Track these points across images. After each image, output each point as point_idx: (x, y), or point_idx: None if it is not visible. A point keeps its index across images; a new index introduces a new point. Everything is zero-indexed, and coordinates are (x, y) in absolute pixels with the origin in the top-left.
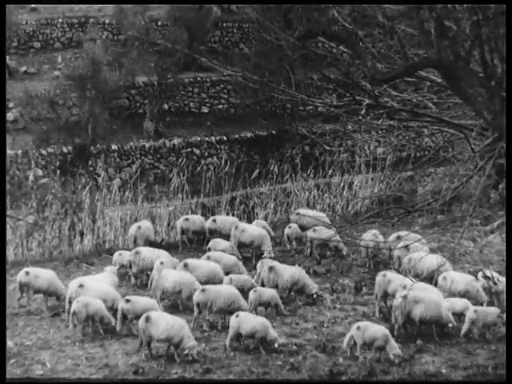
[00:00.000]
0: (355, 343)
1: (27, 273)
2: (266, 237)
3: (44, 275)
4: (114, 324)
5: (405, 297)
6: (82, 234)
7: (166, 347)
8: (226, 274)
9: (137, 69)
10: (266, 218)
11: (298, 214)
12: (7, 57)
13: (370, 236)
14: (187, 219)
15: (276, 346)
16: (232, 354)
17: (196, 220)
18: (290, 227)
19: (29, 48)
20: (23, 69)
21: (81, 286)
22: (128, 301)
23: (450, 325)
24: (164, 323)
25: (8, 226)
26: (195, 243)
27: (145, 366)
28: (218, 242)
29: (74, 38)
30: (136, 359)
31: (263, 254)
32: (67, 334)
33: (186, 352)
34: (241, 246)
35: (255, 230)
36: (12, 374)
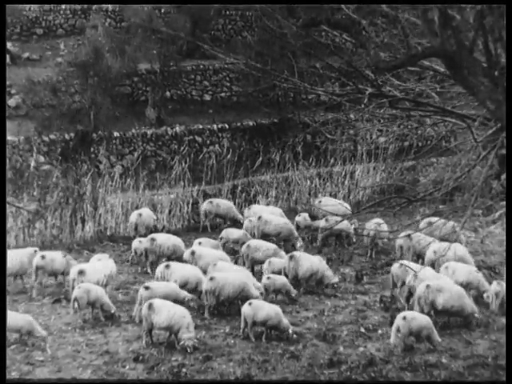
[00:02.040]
0: (398, 332)
1: (43, 257)
2: (292, 227)
3: (60, 259)
4: (114, 311)
5: (428, 286)
6: (83, 221)
7: (167, 335)
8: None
9: (139, 56)
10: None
11: (319, 202)
12: (9, 43)
13: (373, 224)
14: (211, 202)
15: (290, 332)
16: (232, 341)
17: (220, 203)
18: (299, 215)
19: (31, 34)
20: (26, 55)
21: (81, 272)
22: (147, 288)
23: (476, 315)
24: (166, 311)
25: (9, 213)
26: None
27: (145, 352)
28: (230, 232)
29: (77, 25)
30: (136, 346)
31: (294, 244)
32: (68, 320)
33: (182, 343)
34: (264, 237)
35: (280, 220)
36: (12, 360)
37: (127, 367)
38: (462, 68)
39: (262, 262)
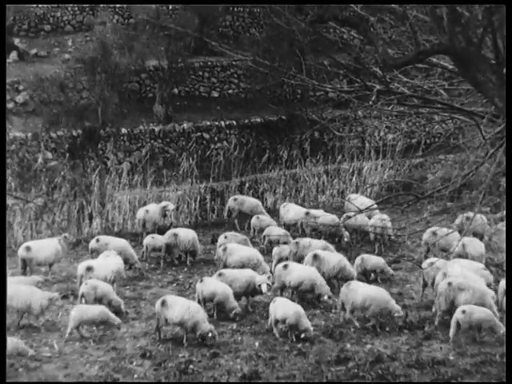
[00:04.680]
0: (459, 327)
1: (98, 240)
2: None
3: (114, 243)
4: (122, 308)
5: (450, 284)
6: (90, 217)
7: (175, 331)
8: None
9: (147, 53)
10: (274, 204)
11: (348, 198)
12: (17, 39)
13: (378, 220)
14: (235, 199)
15: (302, 336)
16: (239, 338)
17: (245, 201)
18: (307, 214)
19: (39, 31)
20: (33, 51)
21: (89, 268)
22: (201, 281)
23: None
24: (179, 307)
25: (17, 208)
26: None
27: (152, 349)
28: (272, 230)
29: (85, 21)
30: (143, 342)
31: (342, 238)
32: None
33: (210, 335)
34: (313, 232)
35: (328, 216)
36: (20, 356)
37: (134, 363)
38: (470, 65)
39: None
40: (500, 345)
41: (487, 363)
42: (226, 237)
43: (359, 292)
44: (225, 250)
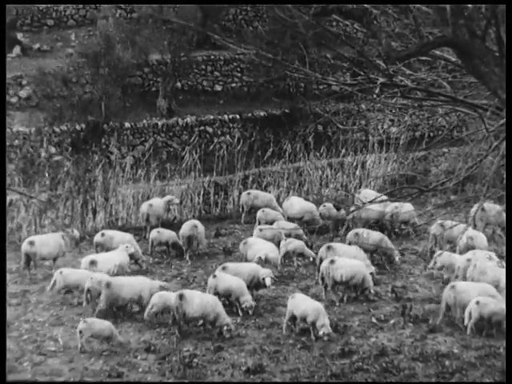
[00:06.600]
0: (470, 316)
1: (103, 234)
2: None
3: (119, 237)
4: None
5: None
6: (94, 212)
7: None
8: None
9: (150, 46)
10: (278, 197)
11: (359, 192)
12: (20, 34)
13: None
14: (249, 193)
15: (321, 333)
16: (244, 331)
17: (258, 195)
18: (324, 206)
19: (42, 25)
20: (36, 46)
21: (93, 262)
22: (215, 276)
23: None
24: (198, 300)
25: (21, 203)
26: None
27: (156, 343)
28: (282, 224)
29: (88, 16)
30: (148, 336)
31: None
32: (80, 310)
33: (227, 328)
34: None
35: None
36: (24, 350)
37: (139, 357)
38: (473, 57)
39: (372, 251)
40: (504, 338)
41: (491, 356)
42: (260, 230)
43: (472, 293)
44: (245, 243)
